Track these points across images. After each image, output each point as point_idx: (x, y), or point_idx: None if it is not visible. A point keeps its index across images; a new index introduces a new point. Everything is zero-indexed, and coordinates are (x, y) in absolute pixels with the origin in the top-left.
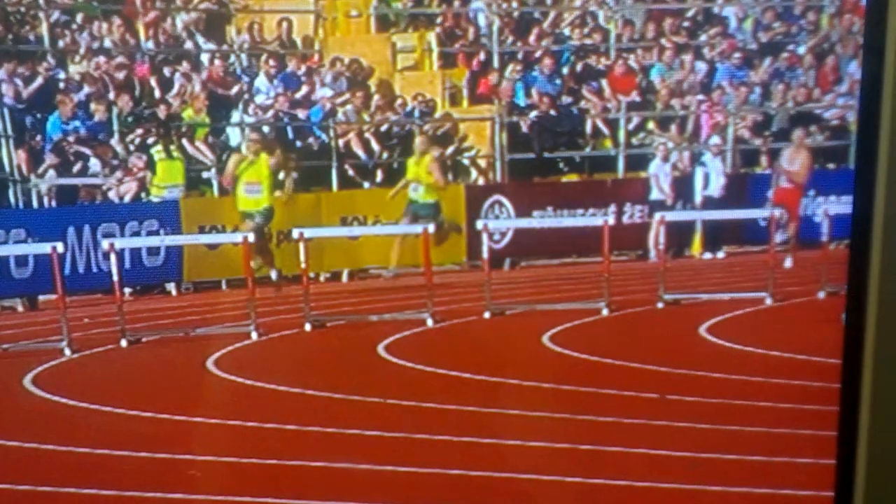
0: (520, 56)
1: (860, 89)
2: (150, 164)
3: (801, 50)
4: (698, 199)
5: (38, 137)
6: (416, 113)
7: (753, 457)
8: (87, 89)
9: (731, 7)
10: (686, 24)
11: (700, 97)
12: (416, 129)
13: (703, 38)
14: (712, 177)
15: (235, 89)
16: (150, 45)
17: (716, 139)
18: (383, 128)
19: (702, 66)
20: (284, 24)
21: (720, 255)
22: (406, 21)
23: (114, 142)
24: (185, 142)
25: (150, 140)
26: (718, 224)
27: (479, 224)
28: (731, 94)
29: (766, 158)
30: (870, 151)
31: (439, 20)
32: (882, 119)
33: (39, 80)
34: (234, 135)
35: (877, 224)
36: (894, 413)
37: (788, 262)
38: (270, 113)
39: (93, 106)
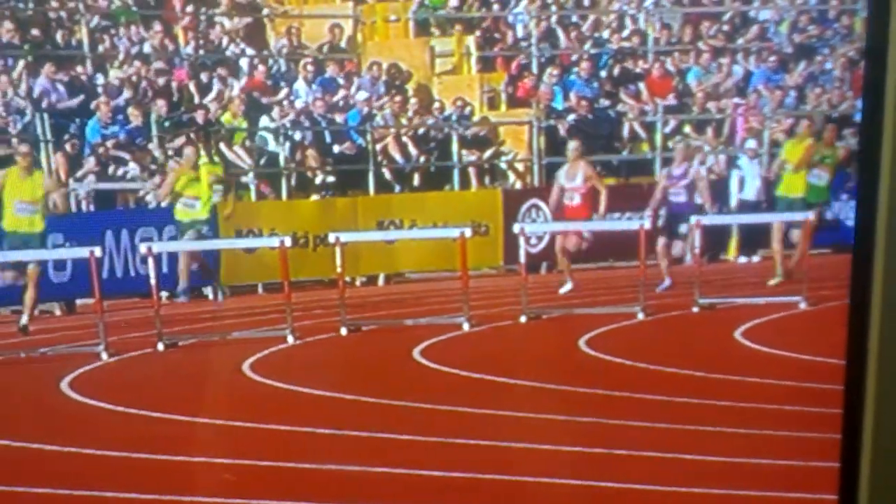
0: (558, 60)
1: (863, 95)
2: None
3: (828, 63)
4: (734, 202)
5: (77, 142)
6: (454, 117)
7: (789, 462)
8: (125, 94)
9: (768, 11)
10: (724, 27)
11: (736, 100)
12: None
13: (739, 41)
14: (748, 180)
15: (281, 94)
16: (189, 49)
17: (751, 143)
18: (420, 131)
19: (738, 70)
20: (336, 31)
21: (755, 258)
22: (452, 25)
23: (152, 146)
24: (223, 146)
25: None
26: (754, 228)
27: (516, 228)
28: (767, 98)
29: None
30: (873, 156)
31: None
32: (885, 124)
33: (78, 85)
34: (270, 139)
35: (880, 228)
36: None
37: (568, 286)
38: (295, 116)
39: (130, 111)
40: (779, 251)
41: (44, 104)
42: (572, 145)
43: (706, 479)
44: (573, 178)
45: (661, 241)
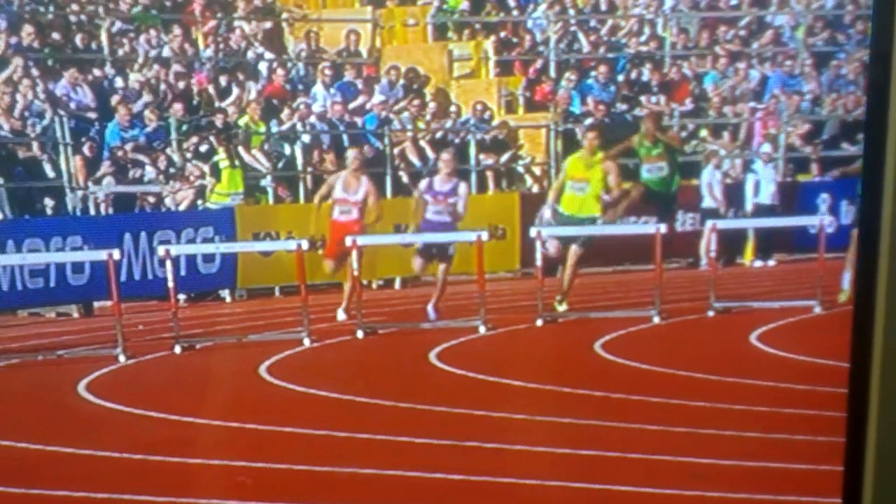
0: (576, 63)
1: (866, 98)
2: (216, 172)
3: (843, 69)
4: (749, 206)
5: (95, 145)
6: (472, 120)
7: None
8: (143, 98)
9: (783, 16)
10: (741, 32)
11: (753, 104)
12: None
13: (755, 45)
14: (762, 184)
15: (298, 98)
16: (209, 53)
17: (767, 147)
18: (438, 135)
19: (755, 74)
20: (352, 37)
21: (771, 262)
22: (468, 32)
23: (171, 150)
24: (241, 149)
25: (205, 148)
26: (769, 232)
27: (533, 231)
28: (784, 102)
29: (817, 166)
30: (877, 159)
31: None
32: (889, 127)
33: (98, 88)
34: (288, 142)
35: (884, 232)
36: None
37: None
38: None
39: (146, 114)
40: (570, 272)
41: (64, 107)
42: (352, 154)
43: (719, 482)
44: (355, 190)
45: (418, 262)
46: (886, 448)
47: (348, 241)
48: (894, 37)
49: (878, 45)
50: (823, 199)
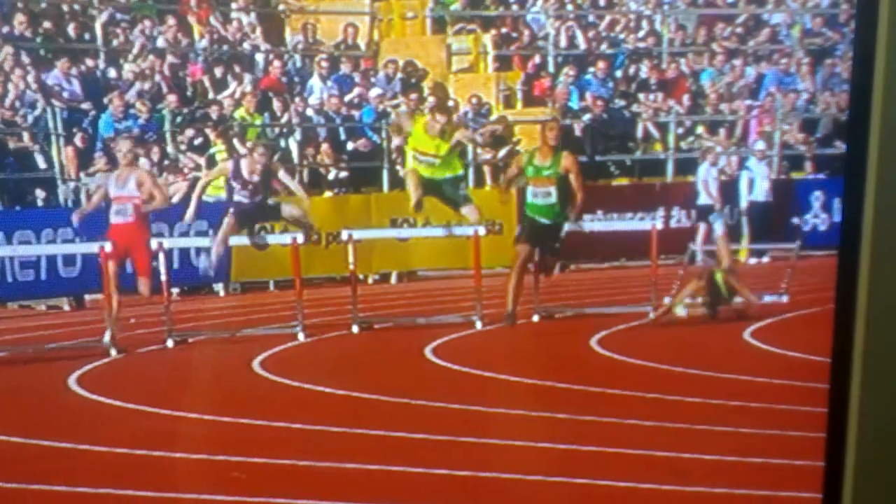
0: (572, 59)
1: (850, 99)
2: (212, 165)
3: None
4: (744, 203)
5: (87, 136)
6: (470, 114)
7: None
8: (137, 88)
9: (780, 15)
10: (738, 30)
11: (749, 102)
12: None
13: (751, 43)
14: (756, 181)
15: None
16: (204, 43)
17: (761, 144)
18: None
19: (751, 72)
20: (350, 30)
21: (765, 259)
22: (460, 26)
23: (166, 142)
24: (236, 142)
25: (199, 140)
26: (764, 229)
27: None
28: (780, 100)
29: (811, 164)
30: (859, 161)
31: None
32: (871, 128)
33: (91, 79)
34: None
35: (866, 230)
36: (882, 415)
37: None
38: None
39: (138, 105)
40: None
41: (57, 97)
42: (125, 146)
43: (701, 478)
44: (124, 184)
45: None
46: (867, 444)
47: (344, 234)
48: (877, 37)
49: (860, 46)
50: (816, 197)
